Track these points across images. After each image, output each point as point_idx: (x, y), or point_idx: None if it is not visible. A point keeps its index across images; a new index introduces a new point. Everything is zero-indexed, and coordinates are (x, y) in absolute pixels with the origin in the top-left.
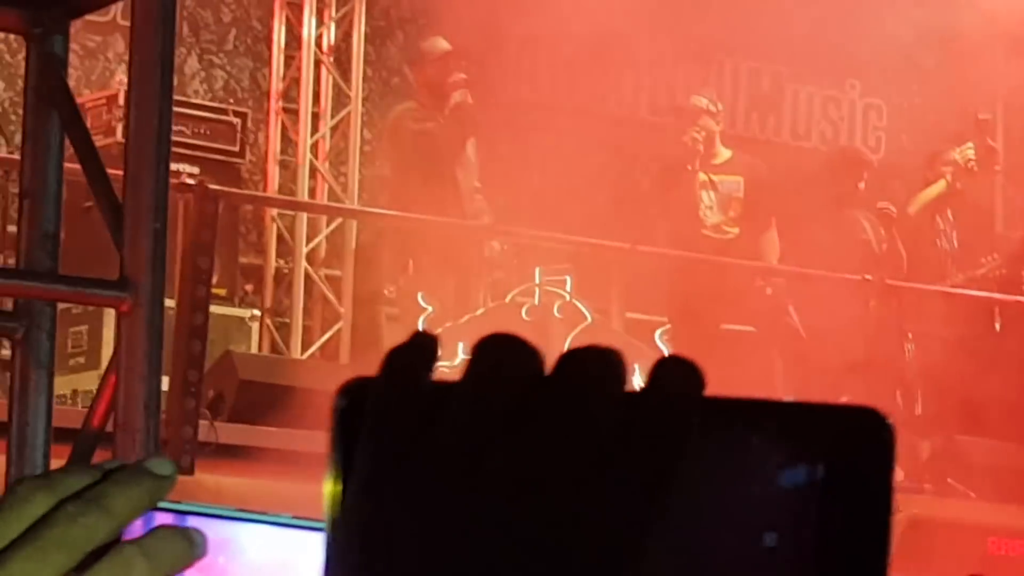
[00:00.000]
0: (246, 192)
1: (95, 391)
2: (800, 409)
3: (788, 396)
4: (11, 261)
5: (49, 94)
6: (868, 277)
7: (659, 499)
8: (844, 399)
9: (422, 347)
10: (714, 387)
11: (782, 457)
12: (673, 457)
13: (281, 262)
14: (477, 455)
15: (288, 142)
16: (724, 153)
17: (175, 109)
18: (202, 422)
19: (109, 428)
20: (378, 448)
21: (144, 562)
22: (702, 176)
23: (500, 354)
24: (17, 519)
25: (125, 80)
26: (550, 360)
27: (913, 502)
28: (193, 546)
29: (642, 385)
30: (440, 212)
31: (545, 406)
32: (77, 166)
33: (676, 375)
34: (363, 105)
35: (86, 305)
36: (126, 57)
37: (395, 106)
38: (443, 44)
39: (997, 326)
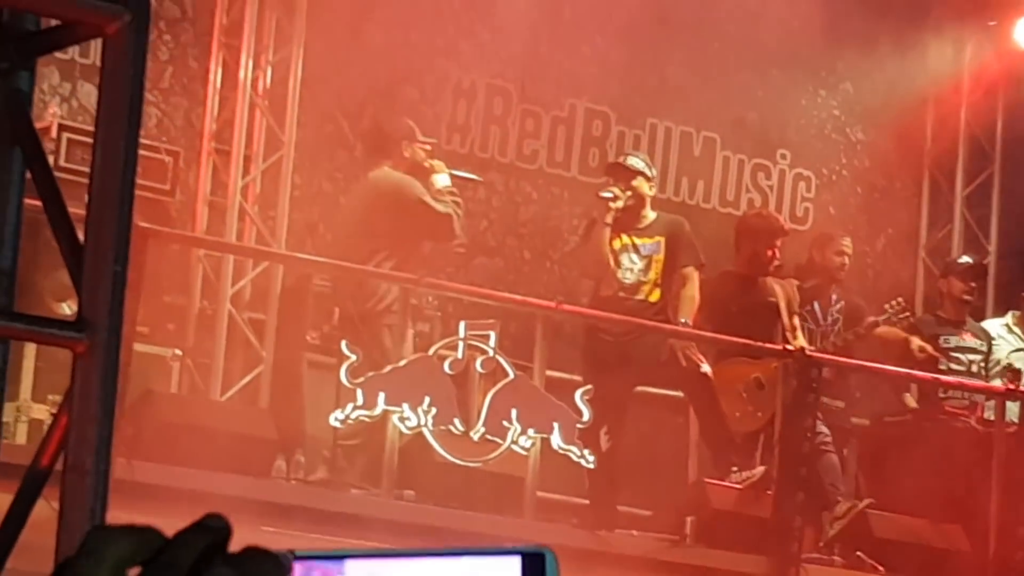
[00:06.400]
0: (176, 231)
1: (12, 423)
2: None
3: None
4: None
5: (13, 130)
6: (789, 347)
7: None
8: (759, 469)
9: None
10: (632, 448)
11: None
12: None
13: (205, 303)
14: None
15: (219, 183)
16: (650, 216)
17: None
18: (119, 460)
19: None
20: None
21: None
22: (625, 239)
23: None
24: (99, 562)
25: (58, 112)
26: None
27: (822, 574)
28: (282, 567)
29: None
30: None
31: None
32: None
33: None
34: (295, 150)
35: (42, 344)
36: (60, 89)
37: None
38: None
39: (912, 403)
